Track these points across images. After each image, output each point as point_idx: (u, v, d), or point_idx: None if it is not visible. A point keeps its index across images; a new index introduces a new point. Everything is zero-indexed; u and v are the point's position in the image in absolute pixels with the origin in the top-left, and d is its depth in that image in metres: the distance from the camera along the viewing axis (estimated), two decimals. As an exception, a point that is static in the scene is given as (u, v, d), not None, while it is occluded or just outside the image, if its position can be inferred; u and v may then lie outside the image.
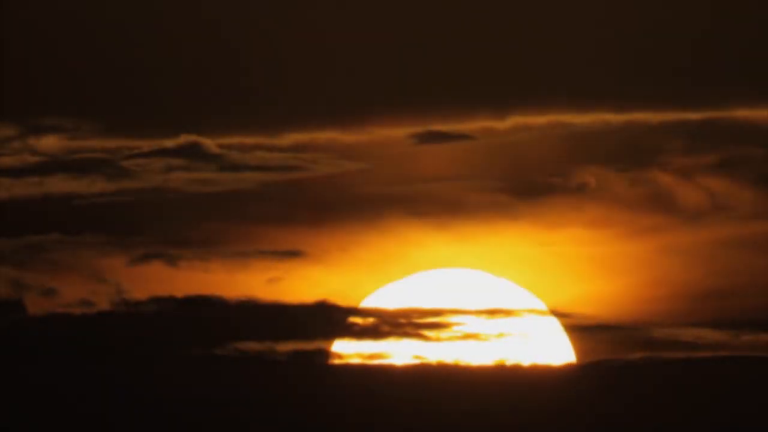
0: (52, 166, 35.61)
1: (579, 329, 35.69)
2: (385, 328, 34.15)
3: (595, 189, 38.26)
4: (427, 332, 34.06)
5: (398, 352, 34.73)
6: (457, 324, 33.93)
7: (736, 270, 37.14)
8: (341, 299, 33.79)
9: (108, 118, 36.73)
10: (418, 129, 37.35)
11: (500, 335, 34.82)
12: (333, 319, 33.54)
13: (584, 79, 39.39)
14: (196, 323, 32.71)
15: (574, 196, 37.74)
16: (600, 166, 37.83)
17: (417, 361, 34.79)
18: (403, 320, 33.98)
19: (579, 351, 37.76)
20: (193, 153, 36.48)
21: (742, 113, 38.14)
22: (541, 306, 36.71)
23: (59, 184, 35.48)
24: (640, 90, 39.43)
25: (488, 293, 37.13)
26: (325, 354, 34.25)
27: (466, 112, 37.61)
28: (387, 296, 36.22)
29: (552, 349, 37.18)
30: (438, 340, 34.04)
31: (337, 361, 34.87)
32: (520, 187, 37.95)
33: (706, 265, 36.83)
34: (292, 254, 34.51)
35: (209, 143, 36.57)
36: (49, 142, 35.73)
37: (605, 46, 40.15)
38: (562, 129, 38.87)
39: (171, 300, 32.96)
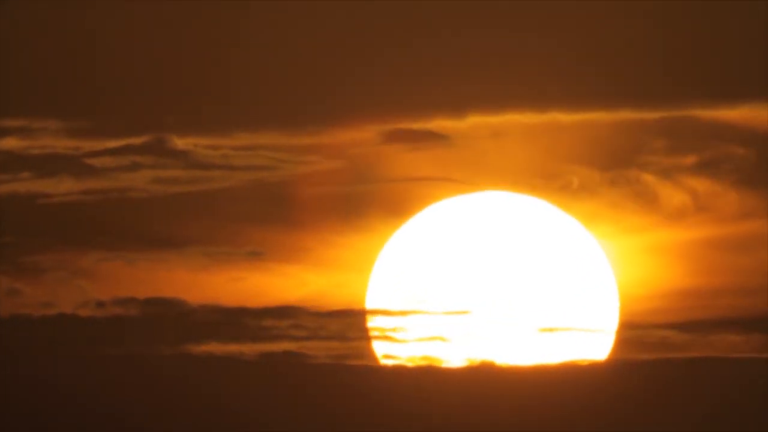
0: (15, 165, 35.29)
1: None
2: (354, 331, 33.90)
3: (577, 189, 37.78)
4: (394, 334, 33.78)
5: (368, 354, 34.57)
6: (422, 326, 33.65)
7: (717, 270, 36.92)
8: (309, 301, 33.47)
9: (73, 117, 36.37)
10: (388, 127, 36.77)
11: (467, 335, 34.55)
12: (301, 321, 33.24)
13: (577, 79, 38.77)
14: (159, 324, 32.46)
15: (556, 197, 37.27)
16: (582, 166, 37.33)
17: (390, 361, 34.65)
18: (367, 322, 33.72)
19: (556, 351, 37.67)
20: (159, 151, 36.02)
21: (724, 113, 37.51)
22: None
23: (23, 184, 35.17)
24: (623, 89, 38.82)
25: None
26: (295, 356, 34.01)
27: (434, 112, 37.10)
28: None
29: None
30: (404, 341, 33.74)
31: (308, 362, 34.64)
32: (498, 187, 37.46)
33: (687, 264, 36.48)
34: (256, 254, 34.07)
35: (176, 141, 36.10)
36: (12, 143, 35.41)
37: (588, 45, 39.51)
38: (546, 127, 38.34)
39: (133, 301, 32.69)
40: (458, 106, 36.95)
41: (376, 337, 34.16)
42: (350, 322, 33.89)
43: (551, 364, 37.41)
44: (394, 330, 33.98)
